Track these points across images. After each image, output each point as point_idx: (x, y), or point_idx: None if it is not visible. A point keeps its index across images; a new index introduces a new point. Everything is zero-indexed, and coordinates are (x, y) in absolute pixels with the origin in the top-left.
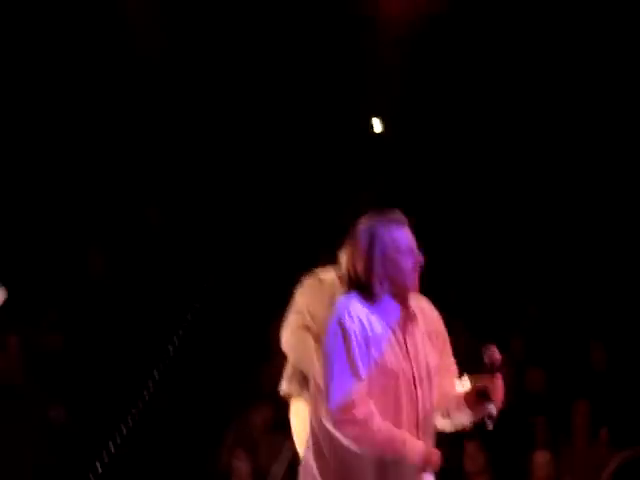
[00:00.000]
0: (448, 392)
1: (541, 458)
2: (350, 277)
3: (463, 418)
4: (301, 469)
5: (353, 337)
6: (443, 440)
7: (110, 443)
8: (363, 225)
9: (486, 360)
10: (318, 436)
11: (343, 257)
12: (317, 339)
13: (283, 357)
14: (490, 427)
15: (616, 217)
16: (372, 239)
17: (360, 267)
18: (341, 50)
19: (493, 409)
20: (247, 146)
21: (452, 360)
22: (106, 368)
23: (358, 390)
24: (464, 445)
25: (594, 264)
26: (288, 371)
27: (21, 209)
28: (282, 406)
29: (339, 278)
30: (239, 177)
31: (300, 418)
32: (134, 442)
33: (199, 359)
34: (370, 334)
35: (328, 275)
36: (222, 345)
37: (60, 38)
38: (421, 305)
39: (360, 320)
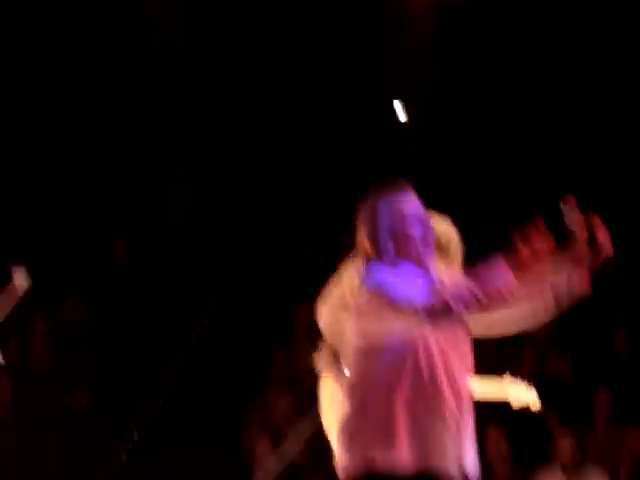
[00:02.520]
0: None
1: (565, 444)
2: (364, 254)
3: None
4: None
5: (392, 279)
6: None
7: (133, 429)
8: (369, 200)
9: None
10: (363, 394)
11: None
12: None
13: (306, 339)
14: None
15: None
16: (377, 213)
17: (369, 242)
18: (365, 37)
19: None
20: (268, 136)
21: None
22: (130, 354)
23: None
24: (486, 431)
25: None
26: (321, 347)
27: (44, 194)
28: (304, 390)
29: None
30: (260, 164)
31: (327, 394)
32: (157, 428)
33: (223, 344)
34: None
35: None
36: (245, 329)
37: (76, 33)
38: (443, 273)
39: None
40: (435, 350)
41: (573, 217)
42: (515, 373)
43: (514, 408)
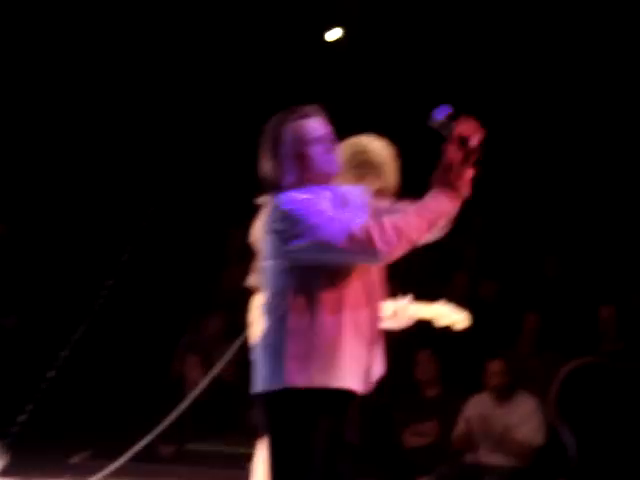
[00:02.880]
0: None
1: (495, 367)
2: (267, 181)
3: None
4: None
5: (316, 200)
6: (394, 349)
7: (62, 351)
8: (268, 125)
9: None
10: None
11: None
12: None
13: (237, 267)
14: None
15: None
16: (276, 137)
17: (269, 167)
18: None
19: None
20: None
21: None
22: (59, 276)
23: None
24: (416, 354)
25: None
26: (255, 265)
27: None
28: (235, 315)
29: None
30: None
31: (257, 310)
32: (87, 350)
33: (154, 268)
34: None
35: None
36: (177, 254)
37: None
38: (348, 188)
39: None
40: (352, 273)
41: (444, 125)
42: (447, 296)
43: (441, 326)
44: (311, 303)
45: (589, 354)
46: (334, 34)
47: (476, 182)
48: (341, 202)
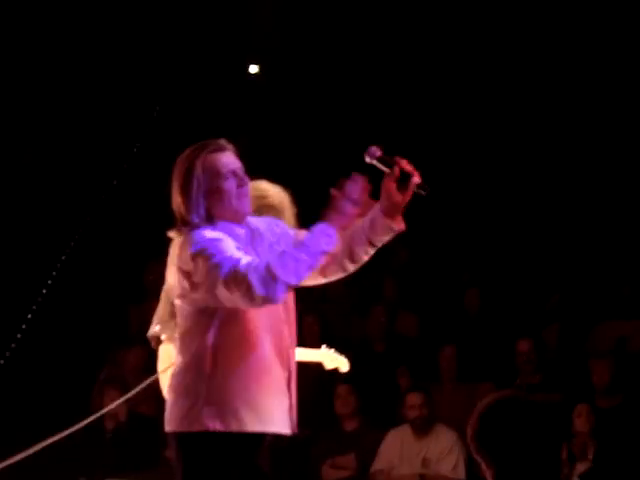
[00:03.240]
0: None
1: (414, 399)
2: (176, 215)
3: (383, 235)
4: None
5: (216, 236)
6: (314, 383)
7: None
8: (180, 157)
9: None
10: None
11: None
12: None
13: (156, 299)
14: (427, 191)
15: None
16: (187, 169)
17: (179, 201)
18: None
19: (417, 179)
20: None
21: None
22: None
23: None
24: (335, 388)
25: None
26: (161, 312)
27: None
28: (154, 349)
29: None
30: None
31: (163, 353)
32: (5, 382)
33: (72, 301)
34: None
35: None
36: (95, 287)
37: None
38: (259, 220)
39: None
40: (261, 319)
41: (383, 162)
42: (365, 330)
43: (327, 369)
44: (220, 345)
45: (507, 387)
46: (252, 69)
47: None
48: (252, 239)
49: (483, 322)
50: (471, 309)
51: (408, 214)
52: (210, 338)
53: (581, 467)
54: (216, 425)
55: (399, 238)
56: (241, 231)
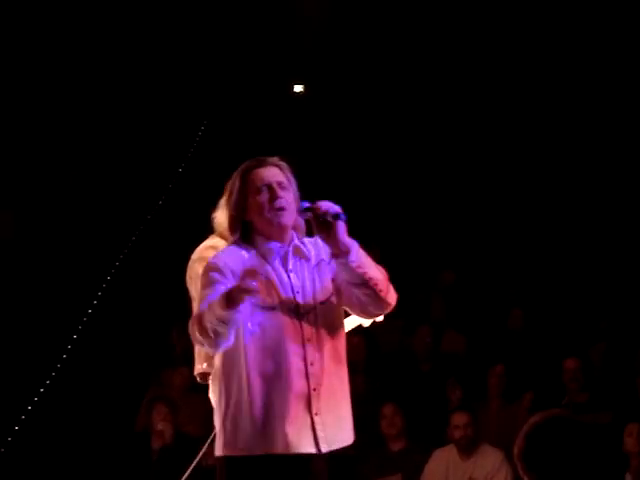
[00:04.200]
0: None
1: (460, 419)
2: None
3: (347, 272)
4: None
5: (216, 267)
6: (360, 403)
7: (28, 405)
8: (232, 177)
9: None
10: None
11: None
12: None
13: None
14: (344, 217)
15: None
16: (233, 185)
17: (227, 214)
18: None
19: (332, 207)
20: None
21: None
22: (23, 335)
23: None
24: (381, 408)
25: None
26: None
27: None
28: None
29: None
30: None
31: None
32: (52, 406)
33: (116, 322)
34: (240, 267)
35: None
36: (141, 307)
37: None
38: (307, 240)
39: (228, 257)
40: (283, 341)
41: (308, 212)
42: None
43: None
44: (227, 371)
45: (554, 406)
46: (296, 88)
47: (445, 238)
48: (283, 258)
49: (529, 341)
50: (516, 329)
51: (455, 237)
52: (220, 364)
53: None
54: (226, 451)
55: (445, 260)
56: (277, 250)
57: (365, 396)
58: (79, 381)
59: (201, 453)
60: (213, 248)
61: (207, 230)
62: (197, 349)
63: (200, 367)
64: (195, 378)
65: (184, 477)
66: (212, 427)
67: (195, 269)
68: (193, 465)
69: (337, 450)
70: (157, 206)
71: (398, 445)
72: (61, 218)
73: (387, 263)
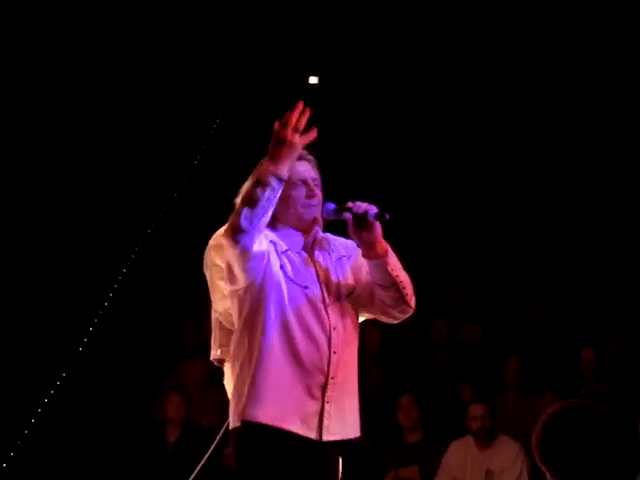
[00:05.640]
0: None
1: (477, 410)
2: None
3: (380, 274)
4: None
5: None
6: (377, 395)
7: (44, 398)
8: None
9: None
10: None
11: None
12: None
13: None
14: (387, 217)
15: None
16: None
17: None
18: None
19: (373, 209)
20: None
21: None
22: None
23: None
24: (398, 399)
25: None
26: (218, 337)
27: None
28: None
29: None
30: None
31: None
32: (68, 398)
33: (131, 314)
34: (272, 247)
35: None
36: (154, 300)
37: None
38: (332, 237)
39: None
40: (302, 326)
41: (340, 213)
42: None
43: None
44: (241, 338)
45: (571, 396)
46: (312, 80)
47: (461, 235)
48: (301, 251)
49: (546, 333)
50: (534, 321)
51: (471, 233)
52: (252, 344)
53: None
54: (244, 418)
55: (460, 255)
56: (302, 239)
57: (382, 388)
58: (94, 374)
59: (214, 444)
60: None
61: (223, 221)
62: (213, 335)
63: (215, 352)
64: (211, 368)
65: (197, 470)
66: (227, 419)
67: (211, 257)
68: (206, 457)
69: (352, 440)
70: (174, 197)
71: (415, 436)
72: (74, 209)
73: (404, 254)
